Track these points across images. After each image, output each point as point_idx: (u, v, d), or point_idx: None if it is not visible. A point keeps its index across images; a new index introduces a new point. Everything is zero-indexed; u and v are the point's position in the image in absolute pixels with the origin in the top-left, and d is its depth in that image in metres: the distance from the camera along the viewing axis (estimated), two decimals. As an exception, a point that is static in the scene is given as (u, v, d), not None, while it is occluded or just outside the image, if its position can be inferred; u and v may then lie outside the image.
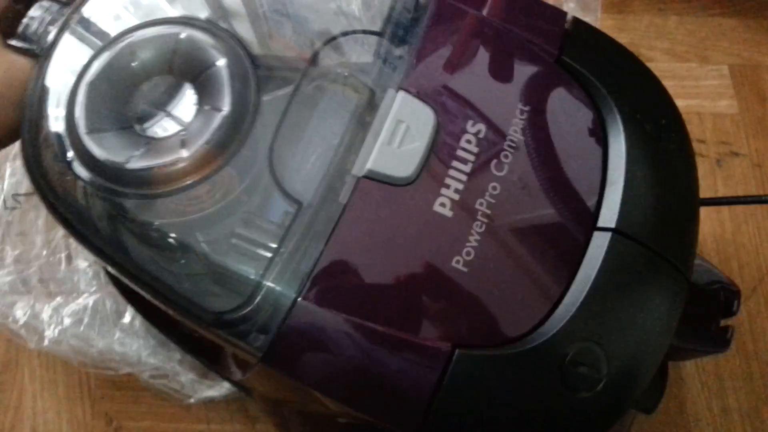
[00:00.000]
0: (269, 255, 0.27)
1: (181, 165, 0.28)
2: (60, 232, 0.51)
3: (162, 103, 0.30)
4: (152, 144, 0.29)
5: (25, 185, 0.50)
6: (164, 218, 0.28)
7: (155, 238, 0.29)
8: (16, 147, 0.40)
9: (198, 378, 0.48)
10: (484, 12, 0.31)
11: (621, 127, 0.30)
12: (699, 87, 0.59)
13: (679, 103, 0.56)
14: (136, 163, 0.28)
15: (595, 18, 0.59)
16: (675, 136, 0.31)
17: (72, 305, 0.49)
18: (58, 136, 0.30)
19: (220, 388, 0.48)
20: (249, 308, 0.27)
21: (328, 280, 0.26)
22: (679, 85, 0.59)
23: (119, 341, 0.48)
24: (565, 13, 0.33)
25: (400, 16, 0.31)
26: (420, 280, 0.27)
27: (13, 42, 0.34)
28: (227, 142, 0.28)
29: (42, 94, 0.31)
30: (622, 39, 0.59)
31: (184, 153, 0.28)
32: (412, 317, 0.26)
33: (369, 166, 0.28)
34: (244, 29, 0.31)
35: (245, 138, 0.28)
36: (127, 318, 0.48)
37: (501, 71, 0.30)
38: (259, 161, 0.28)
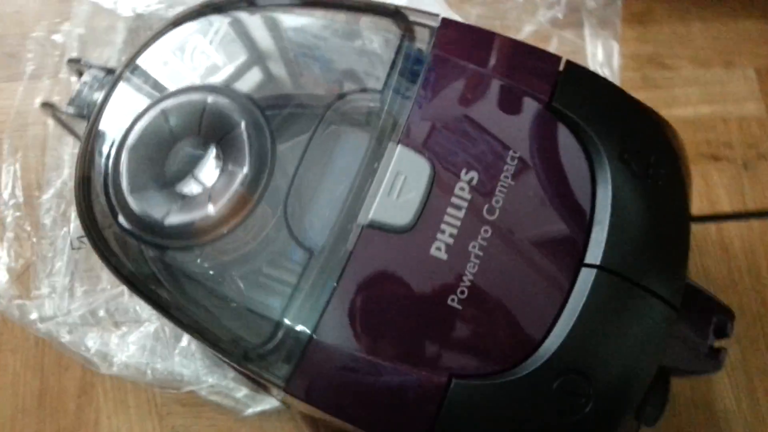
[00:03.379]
0: (287, 299, 0.31)
1: (208, 221, 0.32)
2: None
3: (192, 163, 0.34)
4: (185, 201, 0.33)
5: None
6: (196, 268, 0.32)
7: (190, 285, 0.33)
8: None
9: (251, 393, 0.51)
10: (477, 65, 0.33)
11: (607, 169, 0.31)
12: (725, 92, 0.59)
13: (704, 109, 0.58)
14: (171, 219, 0.32)
15: (615, 32, 0.60)
16: (665, 170, 0.32)
17: (136, 333, 0.52)
18: (106, 194, 0.34)
19: (272, 402, 0.50)
20: (271, 344, 0.30)
21: (338, 320, 0.30)
22: (704, 92, 0.59)
23: (179, 363, 0.51)
24: (558, 58, 0.34)
25: (400, 72, 0.34)
26: (418, 318, 0.29)
27: (69, 109, 0.38)
28: (248, 199, 0.32)
29: (91, 155, 0.35)
30: (645, 50, 0.61)
31: (211, 210, 0.32)
32: (412, 352, 0.29)
33: (371, 216, 0.31)
34: (264, 88, 0.34)
35: (263, 194, 0.32)
36: (184, 342, 0.52)
37: (492, 120, 0.32)
38: (276, 213, 0.32)
